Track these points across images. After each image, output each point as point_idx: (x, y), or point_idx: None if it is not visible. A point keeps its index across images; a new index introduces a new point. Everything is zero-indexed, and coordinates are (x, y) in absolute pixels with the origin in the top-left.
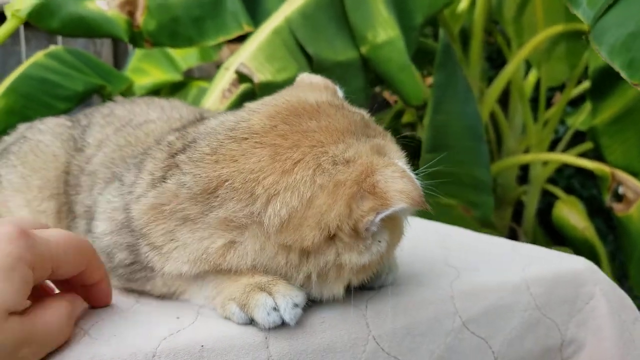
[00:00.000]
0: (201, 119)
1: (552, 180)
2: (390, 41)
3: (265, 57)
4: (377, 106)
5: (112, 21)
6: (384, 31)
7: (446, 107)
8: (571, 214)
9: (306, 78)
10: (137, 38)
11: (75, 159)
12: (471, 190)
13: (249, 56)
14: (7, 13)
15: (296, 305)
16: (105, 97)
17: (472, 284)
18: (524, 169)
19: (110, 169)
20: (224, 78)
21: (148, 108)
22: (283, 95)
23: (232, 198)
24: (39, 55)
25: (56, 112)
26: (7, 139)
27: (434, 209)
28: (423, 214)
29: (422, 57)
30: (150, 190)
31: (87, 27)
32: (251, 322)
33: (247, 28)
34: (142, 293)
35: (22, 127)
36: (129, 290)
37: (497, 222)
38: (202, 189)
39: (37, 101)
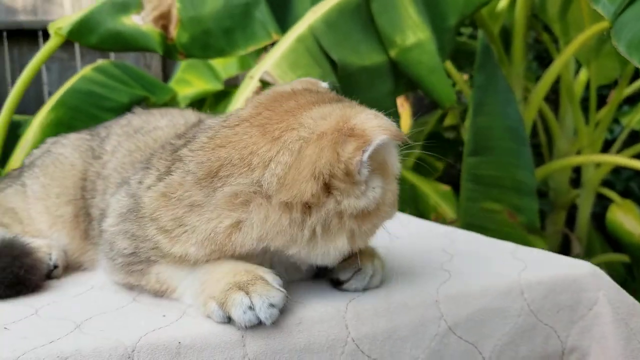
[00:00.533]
0: (199, 121)
1: (608, 183)
2: (420, 44)
3: (288, 65)
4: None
5: (147, 35)
6: (413, 34)
7: (487, 108)
8: (626, 218)
9: (293, 82)
10: (171, 51)
11: (92, 166)
12: (515, 194)
13: (272, 64)
14: (51, 31)
15: (272, 305)
16: (150, 107)
17: (461, 288)
18: (578, 171)
19: (121, 174)
20: (249, 87)
21: (160, 117)
22: (264, 92)
23: (233, 174)
24: (87, 70)
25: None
26: (36, 152)
27: (477, 214)
28: (467, 221)
29: (465, 58)
30: (158, 182)
31: (124, 42)
32: (229, 320)
33: (275, 37)
34: (140, 292)
35: (48, 142)
36: (130, 288)
37: (549, 228)
38: (205, 173)
39: (84, 113)
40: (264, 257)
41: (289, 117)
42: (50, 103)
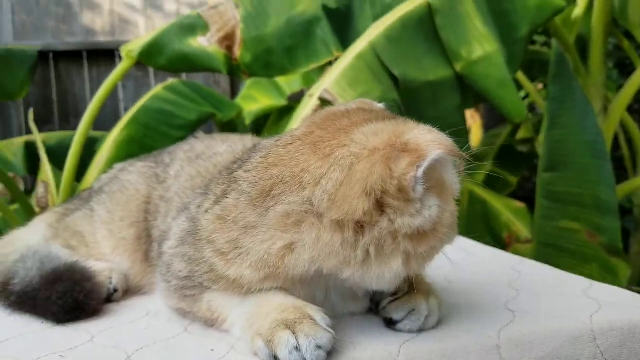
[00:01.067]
0: (255, 145)
1: None
2: (487, 56)
3: (348, 83)
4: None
5: (212, 56)
6: (480, 46)
7: (562, 121)
8: None
9: (348, 103)
10: (235, 70)
11: (156, 190)
12: (595, 212)
13: (332, 82)
14: (123, 54)
15: (319, 347)
16: (217, 124)
17: (525, 332)
18: None
19: (182, 198)
20: (308, 105)
21: (222, 143)
22: (319, 112)
23: (285, 192)
24: (158, 88)
25: (172, 141)
26: (104, 177)
27: (553, 233)
28: (542, 241)
29: (538, 68)
30: (215, 206)
31: (191, 63)
32: (275, 359)
33: (337, 53)
34: (193, 320)
35: (116, 168)
36: (183, 314)
37: (634, 248)
38: (258, 193)
39: (155, 130)
40: (319, 282)
41: (340, 135)
42: (123, 121)
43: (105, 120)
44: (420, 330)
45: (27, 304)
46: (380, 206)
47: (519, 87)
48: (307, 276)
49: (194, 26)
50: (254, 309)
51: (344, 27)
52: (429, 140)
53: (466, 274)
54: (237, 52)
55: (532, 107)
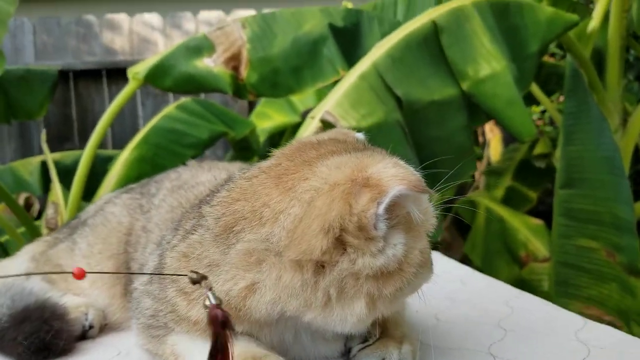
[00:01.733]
0: (229, 177)
1: None
2: (494, 75)
3: (350, 104)
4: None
5: (218, 77)
6: (487, 64)
7: (578, 137)
8: None
9: (324, 133)
10: (241, 90)
11: (139, 221)
12: (613, 231)
13: (334, 104)
14: (129, 76)
15: None
16: (231, 141)
17: None
18: None
19: (162, 231)
20: (310, 127)
21: (207, 171)
22: (291, 143)
23: (245, 228)
24: (170, 108)
25: (183, 159)
26: (90, 208)
27: (572, 251)
28: (560, 260)
29: (556, 82)
30: (181, 242)
31: (197, 84)
32: None
33: (343, 73)
34: None
35: (103, 199)
36: (153, 354)
37: None
38: (222, 229)
39: (166, 150)
40: (287, 324)
41: (304, 167)
42: (134, 141)
43: (124, 138)
44: None
45: None
46: (340, 245)
47: (536, 101)
48: (272, 318)
49: (200, 47)
50: None
51: (351, 46)
52: (391, 175)
53: (456, 311)
54: (244, 72)
55: (551, 121)
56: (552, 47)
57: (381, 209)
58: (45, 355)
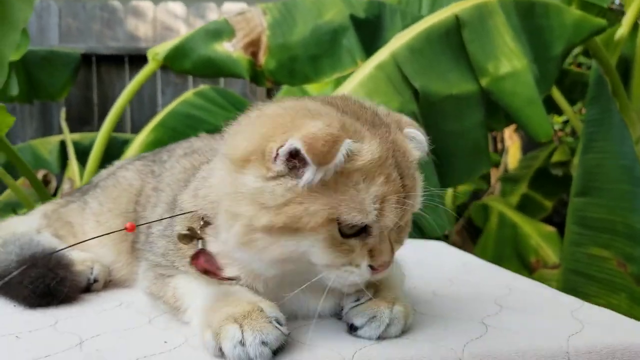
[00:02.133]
0: None
1: None
2: (515, 73)
3: (365, 93)
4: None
5: (237, 62)
6: (508, 62)
7: (599, 145)
8: None
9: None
10: (258, 77)
11: (150, 183)
12: (627, 241)
13: (349, 92)
14: (149, 57)
15: (264, 344)
16: None
17: (493, 348)
18: None
19: (173, 190)
20: None
21: (220, 140)
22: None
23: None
24: (188, 94)
25: None
26: (103, 172)
27: (582, 260)
28: (570, 267)
29: (580, 90)
30: (194, 182)
31: (215, 68)
32: (222, 354)
33: (361, 64)
34: (163, 312)
35: (116, 165)
36: (155, 300)
37: None
38: None
39: (182, 134)
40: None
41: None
42: (151, 124)
43: (143, 124)
44: (381, 338)
45: (3, 288)
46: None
47: (558, 110)
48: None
49: (220, 31)
50: (211, 302)
51: (371, 38)
52: (306, 133)
53: (455, 288)
54: (262, 58)
55: (572, 132)
56: (580, 57)
57: (279, 150)
58: (49, 300)
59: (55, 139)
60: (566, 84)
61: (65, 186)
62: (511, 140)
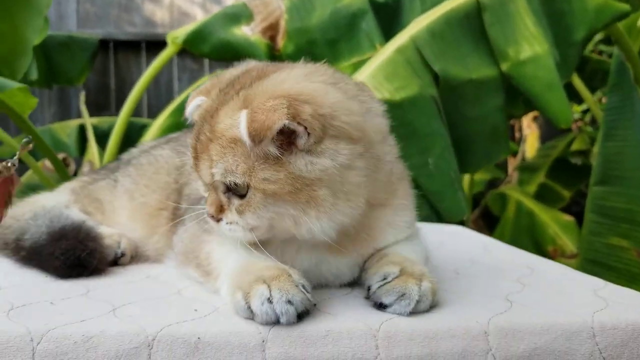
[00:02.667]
0: None
1: None
2: (535, 58)
3: (384, 76)
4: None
5: (255, 45)
6: (529, 46)
7: (619, 133)
8: None
9: None
10: (276, 61)
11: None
12: None
13: (368, 75)
14: (168, 40)
15: (290, 302)
16: None
17: (518, 322)
18: None
19: None
20: None
21: None
22: None
23: None
24: (204, 79)
25: None
26: (134, 151)
27: (601, 249)
28: (588, 257)
29: (602, 78)
30: None
31: (233, 51)
32: (251, 313)
33: (380, 48)
34: (186, 285)
35: (147, 144)
36: (186, 264)
37: None
38: None
39: None
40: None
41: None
42: (170, 109)
43: (160, 110)
44: (411, 315)
45: (35, 259)
46: None
47: (579, 98)
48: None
49: (238, 15)
50: (242, 268)
51: (390, 22)
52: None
53: (477, 267)
54: (280, 42)
55: (593, 121)
56: (601, 46)
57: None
58: (79, 271)
59: (73, 123)
60: (587, 71)
61: (85, 169)
62: (529, 129)
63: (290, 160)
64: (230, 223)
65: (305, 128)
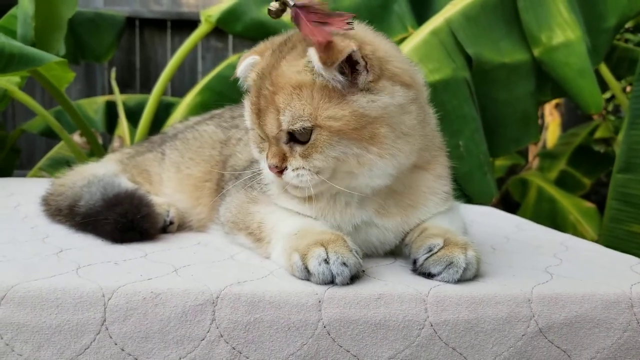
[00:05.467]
0: None
1: None
2: (568, 43)
3: (419, 58)
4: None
5: (288, 25)
6: (562, 32)
7: None
8: None
9: None
10: None
11: (236, 134)
12: None
13: None
14: (202, 19)
15: (345, 265)
16: None
17: (560, 291)
18: None
19: None
20: None
21: None
22: None
23: None
24: (233, 58)
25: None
26: (179, 126)
27: (621, 236)
28: (608, 244)
29: (628, 67)
30: None
31: (265, 31)
32: (307, 273)
33: (412, 30)
34: (238, 251)
35: (192, 120)
36: (236, 231)
37: None
38: None
39: (227, 98)
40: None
41: None
42: (198, 87)
43: (182, 88)
44: (459, 282)
45: (90, 225)
46: None
47: (604, 86)
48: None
49: None
50: (298, 233)
51: (422, 4)
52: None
53: (512, 244)
54: None
55: (616, 109)
56: (627, 34)
57: None
58: (132, 236)
59: (101, 99)
60: (613, 59)
61: (115, 144)
62: (551, 116)
63: (353, 99)
64: (297, 169)
65: (366, 64)
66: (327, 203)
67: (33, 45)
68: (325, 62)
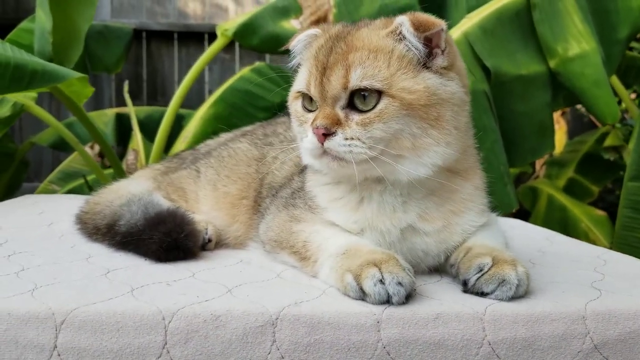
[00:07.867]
0: None
1: None
2: (583, 55)
3: None
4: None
5: None
6: (577, 44)
7: None
8: None
9: None
10: None
11: (270, 153)
12: None
13: None
14: (218, 33)
15: (400, 284)
16: None
17: (612, 307)
18: None
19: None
20: None
21: None
22: None
23: None
24: (245, 70)
25: (255, 120)
26: (211, 143)
27: (634, 244)
28: (621, 252)
29: (636, 75)
30: None
31: (281, 45)
32: (362, 293)
33: None
34: (283, 269)
35: (224, 137)
36: (277, 250)
37: None
38: None
39: (240, 110)
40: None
41: None
42: (211, 99)
43: (189, 99)
44: (512, 299)
45: (131, 244)
46: None
47: (614, 94)
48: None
49: (287, 9)
50: (347, 252)
51: (439, 18)
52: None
53: (549, 258)
54: None
55: (621, 119)
56: (632, 43)
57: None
58: (175, 255)
59: (110, 112)
60: (621, 67)
61: (130, 157)
62: (557, 124)
63: (427, 76)
64: (350, 138)
65: (445, 49)
66: (376, 208)
67: (51, 60)
68: (418, 28)
